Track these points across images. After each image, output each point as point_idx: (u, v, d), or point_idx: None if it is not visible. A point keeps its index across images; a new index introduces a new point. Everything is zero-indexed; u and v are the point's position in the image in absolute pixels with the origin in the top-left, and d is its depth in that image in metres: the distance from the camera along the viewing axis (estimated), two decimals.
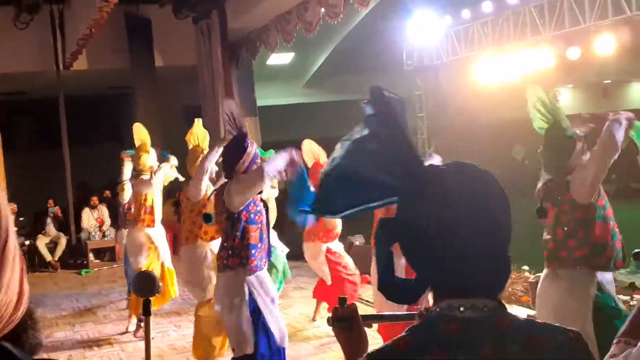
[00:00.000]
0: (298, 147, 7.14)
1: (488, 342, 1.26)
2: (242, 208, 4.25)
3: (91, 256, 12.09)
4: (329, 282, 6.87)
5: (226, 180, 4.47)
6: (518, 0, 10.56)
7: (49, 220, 12.50)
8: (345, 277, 6.90)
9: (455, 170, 1.36)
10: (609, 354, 1.79)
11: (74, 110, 13.09)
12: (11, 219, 1.02)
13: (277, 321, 4.41)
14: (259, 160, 4.43)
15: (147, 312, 3.49)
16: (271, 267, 7.68)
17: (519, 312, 6.70)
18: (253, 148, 4.42)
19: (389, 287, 1.36)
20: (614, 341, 1.84)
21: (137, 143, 7.05)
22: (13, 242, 1.01)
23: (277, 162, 4.20)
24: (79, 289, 10.15)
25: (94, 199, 12.78)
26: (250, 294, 4.25)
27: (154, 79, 12.58)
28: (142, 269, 6.25)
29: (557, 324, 1.37)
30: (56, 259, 12.12)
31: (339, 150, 1.41)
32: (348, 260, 7.04)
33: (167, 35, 12.58)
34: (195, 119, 6.39)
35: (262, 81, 14.70)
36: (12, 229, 1.02)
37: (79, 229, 12.65)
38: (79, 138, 13.46)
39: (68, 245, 12.44)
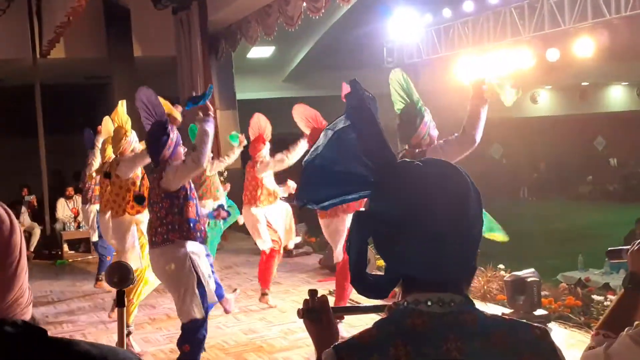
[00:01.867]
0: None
1: (453, 337, 1.27)
2: (180, 187, 4.63)
3: (65, 247, 11.95)
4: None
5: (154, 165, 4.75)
6: (499, 0, 10.62)
7: (23, 209, 12.33)
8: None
9: (429, 165, 1.36)
10: (587, 346, 1.81)
11: (50, 99, 12.91)
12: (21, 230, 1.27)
13: (211, 293, 4.76)
14: (181, 144, 4.77)
15: (121, 303, 3.44)
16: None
17: (495, 309, 6.74)
18: (175, 133, 4.73)
19: (361, 282, 1.36)
20: (593, 333, 1.86)
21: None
22: (24, 251, 1.28)
23: (207, 143, 4.59)
24: (53, 280, 10.02)
25: (70, 190, 12.62)
26: (193, 264, 4.60)
27: (132, 69, 12.46)
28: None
29: (523, 320, 1.37)
30: (31, 249, 11.97)
31: (322, 138, 1.41)
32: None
33: (146, 25, 12.47)
34: (120, 101, 6.78)
35: (242, 74, 14.62)
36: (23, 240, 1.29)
37: (53, 219, 12.50)
38: (55, 127, 13.30)
39: (42, 236, 12.29)
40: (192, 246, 4.65)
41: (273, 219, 7.57)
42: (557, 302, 6.83)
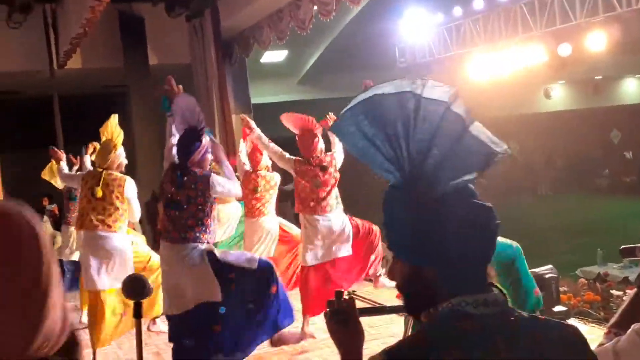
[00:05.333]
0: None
1: (500, 338, 1.30)
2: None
3: None
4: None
5: (177, 168, 4.93)
6: None
7: (45, 218, 12.49)
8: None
9: None
10: (599, 343, 1.85)
11: (68, 109, 13.06)
12: (51, 245, 1.12)
13: None
14: (209, 152, 5.00)
15: (138, 314, 3.54)
16: None
17: None
18: (206, 139, 4.94)
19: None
20: (605, 331, 1.89)
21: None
22: (55, 267, 1.12)
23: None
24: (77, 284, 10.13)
25: None
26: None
27: (148, 78, 12.59)
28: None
29: (556, 320, 1.42)
30: None
31: None
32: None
33: (161, 33, 12.59)
34: (112, 115, 6.68)
35: (256, 79, 14.72)
36: (54, 255, 1.13)
37: None
38: (73, 137, 13.45)
39: None
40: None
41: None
42: (577, 297, 6.85)
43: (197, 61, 12.51)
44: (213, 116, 11.99)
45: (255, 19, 11.27)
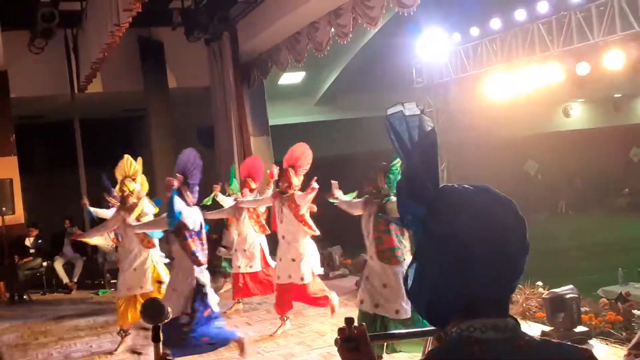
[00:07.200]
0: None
1: None
2: None
3: (108, 276, 12.14)
4: None
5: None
6: (526, 17, 10.67)
7: (66, 241, 12.59)
8: None
9: (466, 190, 1.38)
10: None
11: (89, 132, 13.23)
12: None
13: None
14: None
15: (156, 338, 3.57)
16: None
17: (535, 327, 6.71)
18: None
19: (431, 312, 1.41)
20: (625, 353, 1.89)
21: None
22: None
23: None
24: (96, 309, 10.21)
25: None
26: None
27: (168, 101, 12.74)
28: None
29: (569, 343, 1.40)
30: (75, 280, 12.20)
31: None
32: None
33: (180, 57, 12.75)
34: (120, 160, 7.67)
35: (274, 100, 14.82)
36: None
37: (95, 249, 12.73)
38: (95, 160, 13.61)
39: (85, 266, 12.52)
40: None
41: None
42: (598, 318, 6.76)
43: (215, 84, 12.64)
44: (232, 138, 12.07)
45: (273, 41, 11.39)
